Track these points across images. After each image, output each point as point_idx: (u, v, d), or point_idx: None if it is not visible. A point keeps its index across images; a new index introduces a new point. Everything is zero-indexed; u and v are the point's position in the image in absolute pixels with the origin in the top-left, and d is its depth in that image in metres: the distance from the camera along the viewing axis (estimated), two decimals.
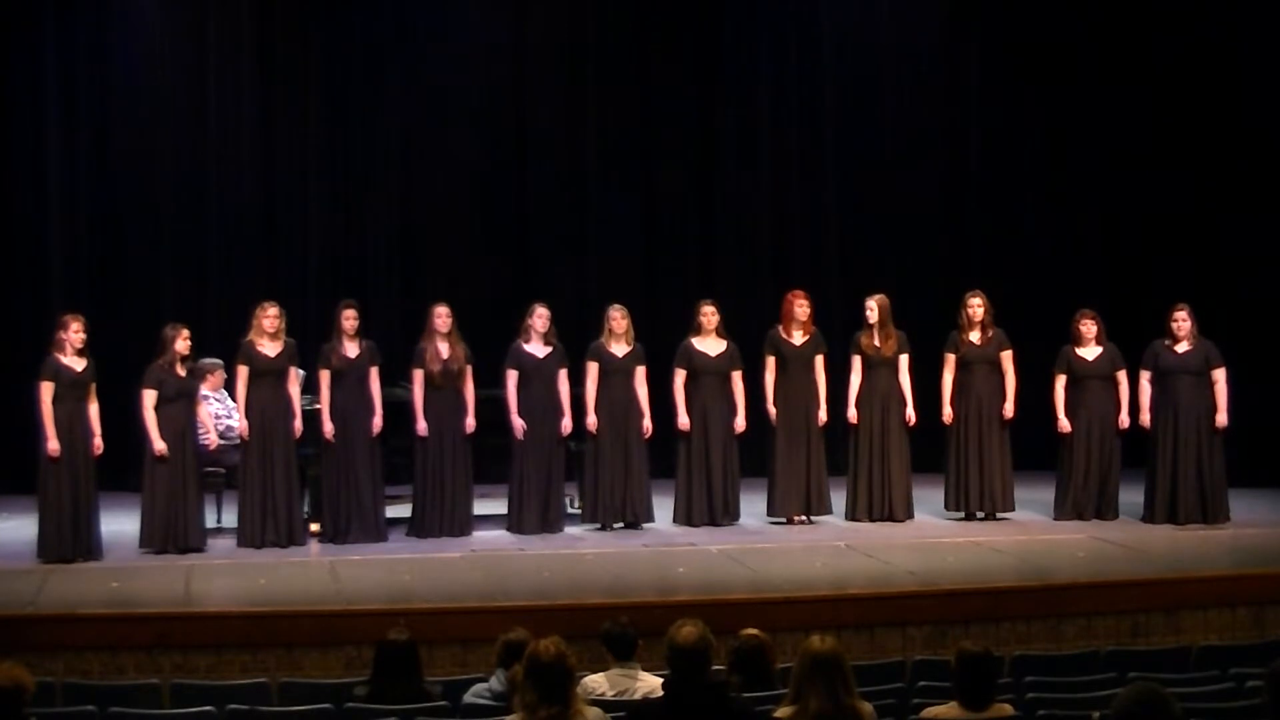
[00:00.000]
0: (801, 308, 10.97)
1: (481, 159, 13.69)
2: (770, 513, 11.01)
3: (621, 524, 10.79)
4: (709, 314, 10.93)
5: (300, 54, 13.46)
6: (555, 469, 10.74)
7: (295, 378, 10.39)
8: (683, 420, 10.85)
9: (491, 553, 10.09)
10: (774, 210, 14.12)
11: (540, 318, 10.71)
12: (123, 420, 10.43)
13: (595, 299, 12.05)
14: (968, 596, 8.71)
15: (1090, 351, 10.99)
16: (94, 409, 9.81)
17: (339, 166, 13.60)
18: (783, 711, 5.16)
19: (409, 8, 13.52)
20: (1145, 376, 10.94)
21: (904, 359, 11.00)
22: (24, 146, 13.05)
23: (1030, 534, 10.58)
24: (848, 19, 14.22)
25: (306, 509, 10.56)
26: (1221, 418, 10.82)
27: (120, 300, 12.93)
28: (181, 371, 10.06)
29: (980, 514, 10.99)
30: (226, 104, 13.31)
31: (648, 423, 10.79)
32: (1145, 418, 10.91)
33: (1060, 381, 10.99)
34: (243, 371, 10.25)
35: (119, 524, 10.39)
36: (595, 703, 5.55)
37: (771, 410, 10.90)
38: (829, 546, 10.15)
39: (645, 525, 10.78)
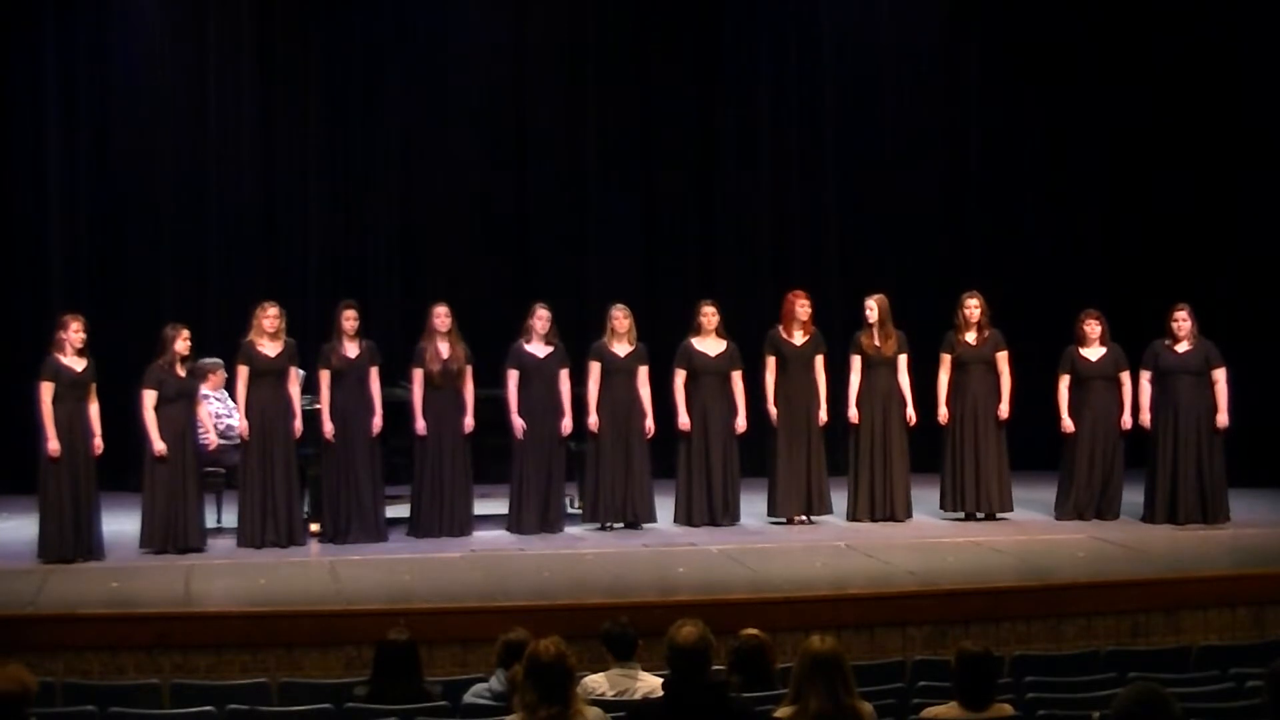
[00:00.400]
0: (802, 308, 10.97)
1: (481, 159, 13.68)
2: (770, 513, 11.01)
3: (621, 524, 10.79)
4: (709, 314, 10.93)
5: (300, 54, 13.46)
6: (555, 469, 10.74)
7: (295, 378, 10.39)
8: (683, 420, 10.84)
9: (491, 553, 10.08)
10: (774, 210, 14.12)
11: (541, 318, 10.71)
12: (123, 420, 10.42)
13: (595, 299, 12.07)
14: (968, 596, 8.70)
15: (1094, 352, 10.98)
16: (94, 409, 9.80)
17: (339, 166, 13.60)
18: (783, 711, 5.15)
19: (409, 8, 13.52)
20: (1145, 376, 10.93)
21: (904, 359, 11.01)
22: (24, 146, 13.05)
23: (1030, 534, 10.57)
24: (848, 19, 14.22)
25: (306, 509, 10.56)
26: (1222, 418, 10.81)
27: (120, 300, 12.93)
28: (181, 371, 10.06)
29: (980, 514, 11.00)
30: (226, 104, 13.31)
31: (650, 423, 10.79)
32: (1145, 418, 10.90)
33: (1064, 382, 10.98)
34: (243, 371, 10.26)
35: (119, 524, 10.38)
36: (595, 703, 5.54)
37: (772, 410, 10.90)
38: (829, 546, 10.14)
39: (645, 525, 10.79)
